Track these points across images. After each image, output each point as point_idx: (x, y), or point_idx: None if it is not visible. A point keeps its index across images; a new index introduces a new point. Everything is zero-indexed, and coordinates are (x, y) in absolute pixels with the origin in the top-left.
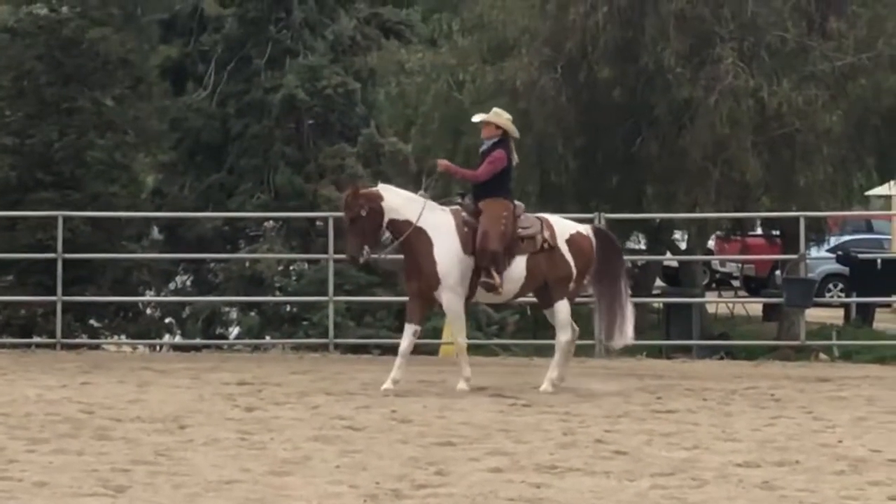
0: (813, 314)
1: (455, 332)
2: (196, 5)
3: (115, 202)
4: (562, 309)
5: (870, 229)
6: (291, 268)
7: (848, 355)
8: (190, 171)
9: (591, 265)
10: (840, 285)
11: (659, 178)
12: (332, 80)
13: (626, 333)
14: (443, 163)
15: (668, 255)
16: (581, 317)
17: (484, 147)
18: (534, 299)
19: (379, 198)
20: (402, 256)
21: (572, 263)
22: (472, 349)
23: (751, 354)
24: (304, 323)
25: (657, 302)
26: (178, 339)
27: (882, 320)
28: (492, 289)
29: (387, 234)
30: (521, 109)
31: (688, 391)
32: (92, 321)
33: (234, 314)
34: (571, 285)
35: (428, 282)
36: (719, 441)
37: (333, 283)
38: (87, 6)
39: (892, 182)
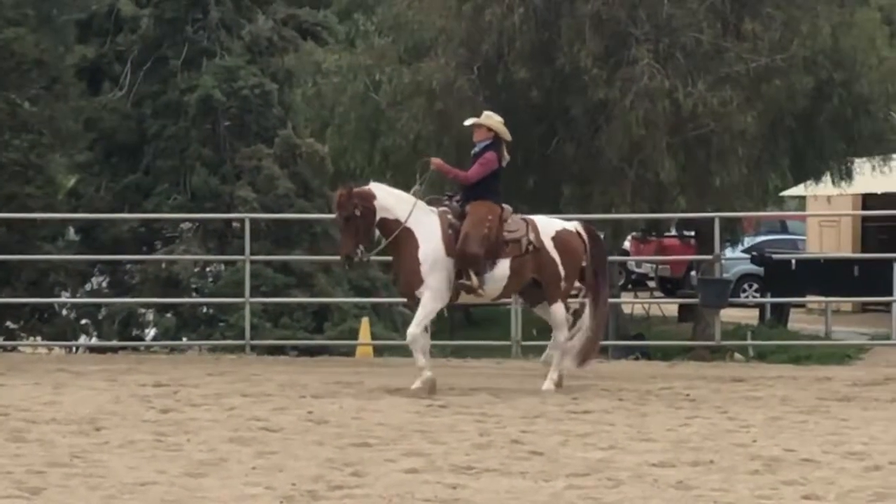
0: (728, 314)
1: (415, 323)
2: (112, 5)
3: (31, 203)
4: (557, 309)
5: (784, 230)
6: (208, 269)
7: (762, 355)
8: (106, 171)
9: (581, 262)
10: (755, 286)
11: (575, 178)
12: (249, 80)
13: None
14: (436, 161)
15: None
16: (502, 317)
17: (476, 150)
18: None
19: (372, 197)
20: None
21: (559, 262)
22: (390, 350)
23: (666, 355)
24: (221, 324)
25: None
26: (94, 341)
27: (796, 320)
28: (471, 291)
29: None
30: (439, 110)
31: (603, 392)
32: (8, 323)
33: (150, 316)
34: (563, 284)
35: (409, 281)
36: (635, 441)
37: (250, 285)
38: (2, 6)
39: (806, 183)
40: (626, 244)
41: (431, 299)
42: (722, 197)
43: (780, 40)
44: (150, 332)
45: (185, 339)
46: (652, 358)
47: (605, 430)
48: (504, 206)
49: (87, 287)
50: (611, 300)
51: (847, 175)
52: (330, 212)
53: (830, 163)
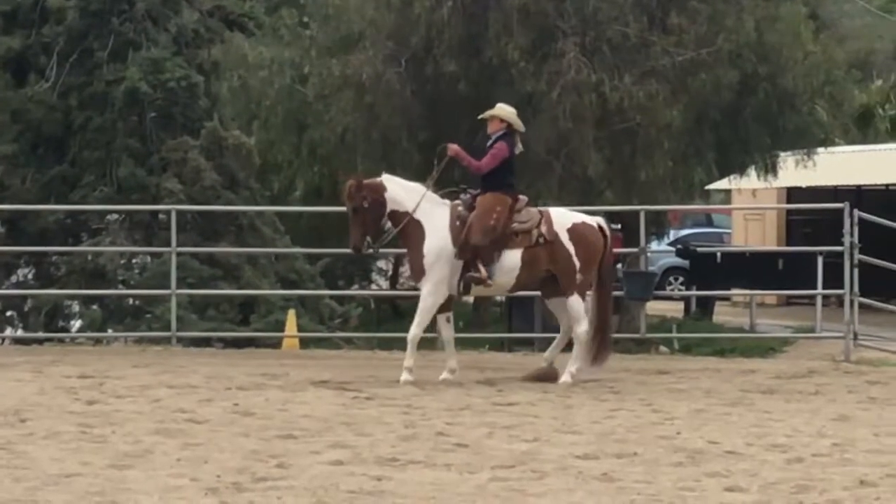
0: (653, 307)
1: (416, 323)
2: None
3: None
4: (575, 302)
5: (710, 223)
6: (134, 261)
7: (687, 348)
8: (32, 163)
9: (598, 255)
10: (680, 278)
11: None
12: (176, 72)
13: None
14: (453, 147)
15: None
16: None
17: (489, 142)
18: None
19: (382, 189)
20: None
21: (573, 254)
22: (315, 343)
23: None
24: (147, 316)
25: (500, 295)
26: (19, 333)
27: (721, 313)
28: (479, 282)
29: (388, 225)
30: (367, 103)
31: (529, 384)
32: None
33: (76, 307)
34: (578, 276)
35: (415, 273)
36: (559, 433)
37: (176, 277)
38: None
39: (731, 176)
40: None
41: (430, 294)
42: (648, 190)
43: (705, 34)
44: (76, 324)
45: (111, 330)
46: None
47: (530, 422)
48: (520, 196)
49: (13, 279)
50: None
51: (772, 169)
52: (257, 204)
53: (755, 156)
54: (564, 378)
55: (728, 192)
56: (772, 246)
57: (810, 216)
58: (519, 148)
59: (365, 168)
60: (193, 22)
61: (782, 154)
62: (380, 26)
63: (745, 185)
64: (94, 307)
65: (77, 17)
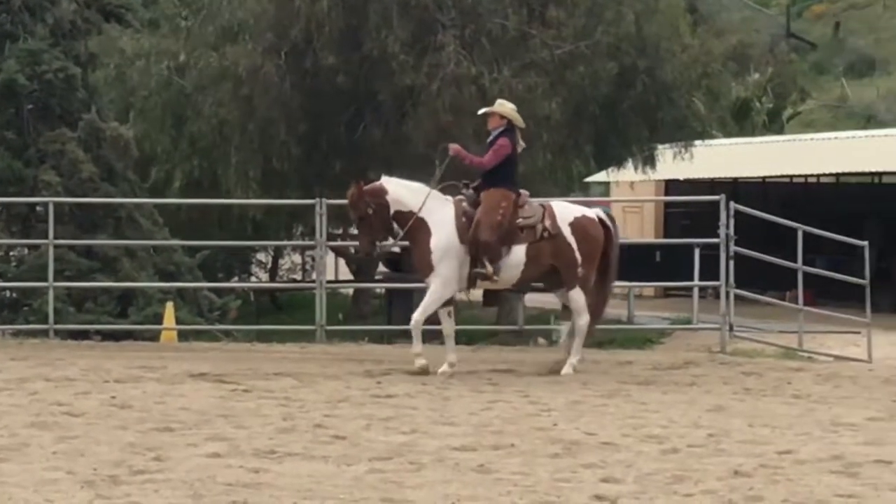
0: (532, 299)
1: (420, 311)
2: None
3: None
4: (576, 295)
5: None
6: (11, 253)
7: None
8: None
9: (600, 249)
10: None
11: (382, 164)
12: (53, 64)
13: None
14: (454, 147)
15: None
16: (308, 301)
17: (490, 138)
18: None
19: (384, 192)
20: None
21: (576, 248)
22: (194, 335)
23: (470, 339)
24: (25, 309)
25: (379, 287)
26: None
27: None
28: (486, 278)
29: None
30: (245, 96)
31: (407, 376)
32: None
33: None
34: (580, 270)
35: (423, 269)
36: (437, 425)
37: (54, 269)
38: None
39: (609, 169)
40: None
41: (440, 286)
42: (527, 183)
43: (584, 27)
44: None
45: None
46: (456, 342)
47: (407, 414)
48: (521, 191)
49: None
50: (416, 285)
51: (650, 161)
52: (135, 195)
53: (633, 149)
54: (566, 370)
55: (607, 184)
56: (649, 238)
57: (687, 208)
58: (521, 145)
59: (240, 159)
60: (71, 13)
61: (660, 146)
62: (259, 18)
63: (624, 177)
64: None
65: None
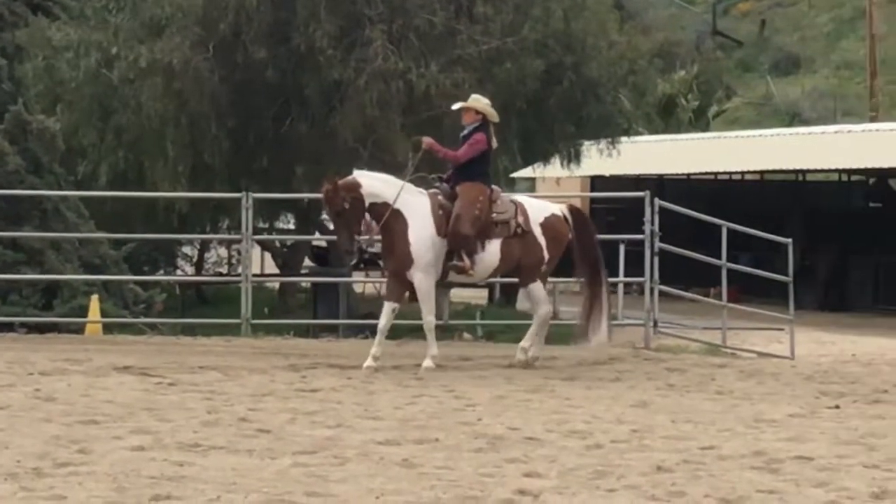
0: (458, 294)
1: (425, 311)
2: None
3: None
4: (536, 287)
5: None
6: None
7: (491, 335)
8: None
9: (564, 245)
10: None
11: (309, 158)
12: None
13: (602, 331)
14: (427, 140)
15: (317, 234)
16: (233, 295)
17: (465, 132)
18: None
19: (358, 185)
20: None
21: (545, 248)
22: (119, 328)
23: (396, 334)
24: None
25: (305, 281)
26: None
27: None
28: (462, 271)
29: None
30: (176, 90)
31: (332, 370)
32: None
33: None
34: (543, 268)
35: (402, 262)
36: (361, 419)
37: None
38: None
39: (536, 164)
40: None
41: (424, 279)
42: None
43: (511, 23)
44: None
45: None
46: None
47: (332, 408)
48: (494, 187)
49: None
50: (342, 279)
51: (576, 157)
52: (61, 188)
53: (560, 145)
54: (519, 356)
55: (532, 180)
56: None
57: (613, 204)
58: (494, 143)
59: (174, 154)
60: None
61: (586, 143)
62: (188, 12)
63: (550, 173)
64: None
65: None
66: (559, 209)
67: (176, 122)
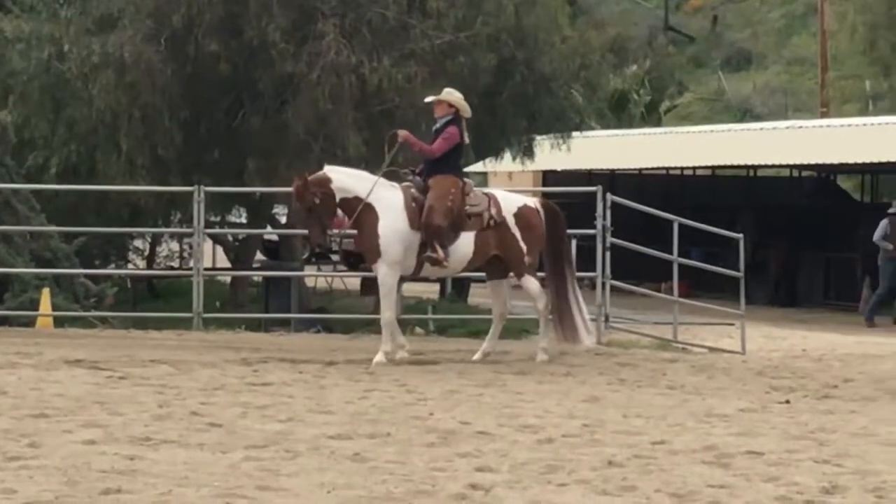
0: (409, 289)
1: (384, 306)
2: None
3: None
4: (527, 282)
5: None
6: None
7: (442, 329)
8: None
9: (541, 237)
10: None
11: (261, 151)
12: None
13: (587, 330)
14: (403, 133)
15: (269, 228)
16: (185, 289)
17: (437, 125)
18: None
19: (328, 181)
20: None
21: (520, 237)
22: (70, 322)
23: (348, 328)
24: None
25: (257, 275)
26: None
27: (477, 295)
28: (436, 263)
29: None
30: (129, 83)
31: (284, 364)
32: None
33: None
34: (526, 259)
35: (369, 255)
36: (313, 413)
37: None
38: None
39: (488, 159)
40: None
41: (387, 275)
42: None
43: (464, 18)
44: None
45: None
46: (333, 331)
47: (284, 402)
48: (466, 180)
49: None
50: (294, 273)
51: (528, 152)
52: (12, 181)
53: (512, 139)
54: (540, 356)
55: (484, 174)
56: None
57: (565, 199)
58: (467, 136)
59: (128, 147)
60: None
61: (538, 137)
62: (140, 5)
63: (502, 167)
64: None
65: None
66: (533, 201)
67: (129, 115)
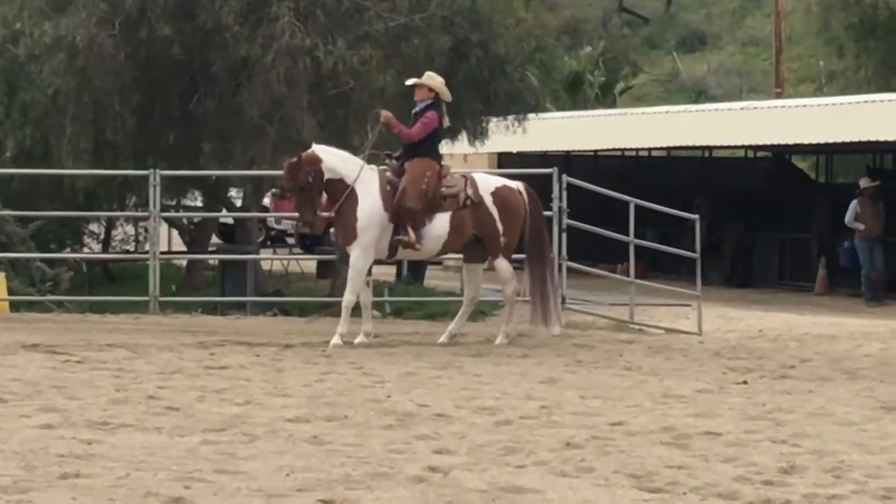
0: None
1: (350, 289)
2: None
3: None
4: (502, 264)
5: None
6: None
7: (399, 312)
8: None
9: (522, 219)
10: None
11: (216, 135)
12: None
13: (559, 318)
14: (385, 114)
15: (225, 212)
16: (141, 272)
17: (417, 109)
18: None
19: (318, 160)
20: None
21: (497, 217)
22: (26, 306)
23: (304, 311)
24: None
25: (213, 259)
26: None
27: (433, 277)
28: (408, 245)
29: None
30: (80, 66)
31: (240, 347)
32: None
33: None
34: (503, 239)
35: (345, 235)
36: (271, 397)
37: None
38: None
39: (443, 141)
40: (266, 201)
41: (359, 258)
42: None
43: (418, 0)
44: None
45: None
46: (290, 314)
47: (241, 385)
48: (443, 163)
49: None
50: (249, 256)
51: (483, 134)
52: None
53: (467, 122)
54: (500, 339)
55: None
56: None
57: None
58: (446, 121)
59: (74, 130)
60: None
61: (493, 119)
62: None
63: (457, 150)
64: None
65: None
66: (515, 183)
67: (77, 98)
